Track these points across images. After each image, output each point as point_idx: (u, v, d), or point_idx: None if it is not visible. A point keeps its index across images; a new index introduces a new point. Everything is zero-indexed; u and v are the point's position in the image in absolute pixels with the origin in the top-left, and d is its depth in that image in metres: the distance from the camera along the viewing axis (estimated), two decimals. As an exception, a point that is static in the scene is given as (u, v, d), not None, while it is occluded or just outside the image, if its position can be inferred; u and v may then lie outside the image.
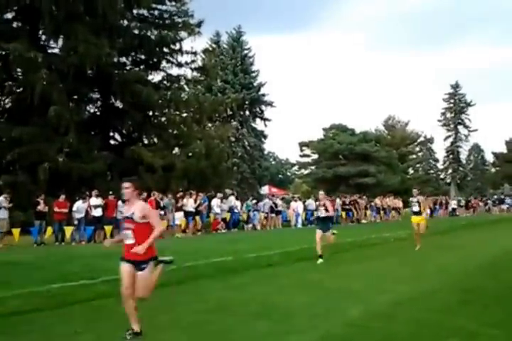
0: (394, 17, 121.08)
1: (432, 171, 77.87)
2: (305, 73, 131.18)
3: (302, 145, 56.80)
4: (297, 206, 28.02)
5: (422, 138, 72.92)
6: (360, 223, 30.65)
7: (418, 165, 74.59)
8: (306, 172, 58.39)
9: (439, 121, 75.40)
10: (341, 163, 52.17)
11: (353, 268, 11.17)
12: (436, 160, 78.17)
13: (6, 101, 28.44)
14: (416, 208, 15.46)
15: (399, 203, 35.95)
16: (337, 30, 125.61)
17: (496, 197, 49.58)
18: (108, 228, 19.21)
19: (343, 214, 30.44)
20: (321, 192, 13.19)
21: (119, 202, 19.87)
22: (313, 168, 56.30)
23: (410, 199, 16.08)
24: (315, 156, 56.20)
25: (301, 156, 58.02)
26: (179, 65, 32.92)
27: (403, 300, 7.55)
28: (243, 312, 6.85)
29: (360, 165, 50.87)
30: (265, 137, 53.67)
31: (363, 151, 51.80)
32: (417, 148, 74.19)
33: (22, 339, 5.75)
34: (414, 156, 71.34)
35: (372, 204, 33.47)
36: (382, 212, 33.76)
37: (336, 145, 52.37)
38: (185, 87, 34.17)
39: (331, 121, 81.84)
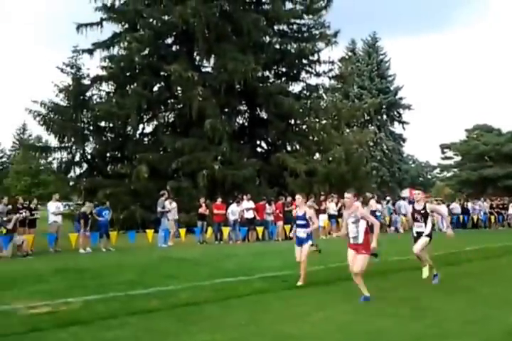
0: None
1: None
2: (442, 74, 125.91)
3: (444, 147, 55.48)
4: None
5: None
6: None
7: None
8: (448, 174, 57.01)
9: None
10: (487, 165, 50.38)
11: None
12: None
13: (170, 116, 31.71)
14: None
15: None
16: (472, 29, 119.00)
17: None
18: (260, 229, 20.76)
19: (492, 217, 29.62)
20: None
21: (267, 205, 21.53)
22: (456, 170, 54.85)
23: None
24: (458, 158, 54.75)
25: (442, 159, 56.83)
26: (317, 74, 34.07)
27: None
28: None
29: (509, 166, 48.74)
30: (404, 140, 53.34)
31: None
32: None
33: (194, 327, 6.31)
34: None
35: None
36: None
37: (481, 147, 50.54)
38: (323, 95, 35.21)
39: (473, 122, 78.62)
